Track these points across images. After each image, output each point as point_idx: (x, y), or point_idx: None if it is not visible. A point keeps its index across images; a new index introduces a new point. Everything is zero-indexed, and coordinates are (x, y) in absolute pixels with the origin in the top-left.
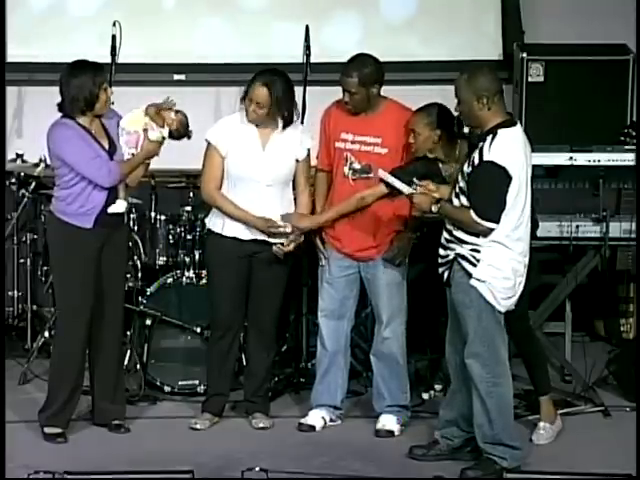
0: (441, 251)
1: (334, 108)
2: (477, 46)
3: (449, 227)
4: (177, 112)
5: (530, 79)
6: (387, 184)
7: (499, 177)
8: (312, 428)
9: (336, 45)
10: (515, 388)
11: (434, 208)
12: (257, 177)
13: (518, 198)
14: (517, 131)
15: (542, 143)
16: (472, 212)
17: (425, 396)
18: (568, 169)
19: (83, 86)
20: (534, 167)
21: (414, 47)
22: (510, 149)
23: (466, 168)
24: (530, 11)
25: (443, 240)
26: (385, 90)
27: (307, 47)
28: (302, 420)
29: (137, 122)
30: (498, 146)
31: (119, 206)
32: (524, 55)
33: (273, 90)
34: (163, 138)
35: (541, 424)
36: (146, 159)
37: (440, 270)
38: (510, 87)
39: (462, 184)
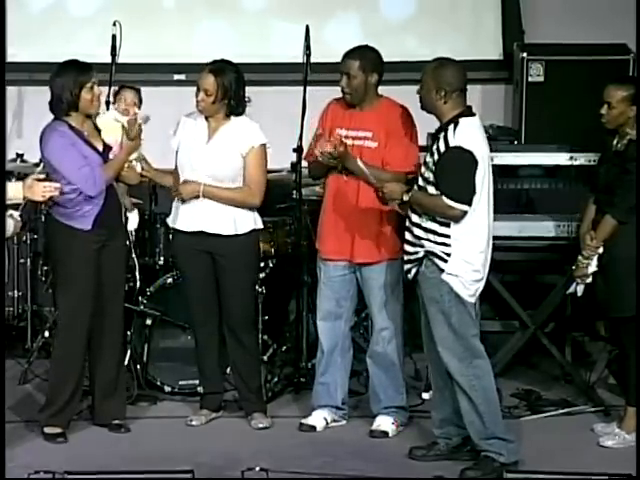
0: (408, 248)
1: (333, 104)
2: (477, 46)
3: (417, 221)
4: (119, 91)
5: (530, 79)
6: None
7: (467, 161)
8: (313, 428)
9: (336, 45)
10: (515, 388)
11: (405, 197)
12: (196, 166)
13: (483, 185)
14: (477, 120)
15: (542, 143)
16: (444, 197)
17: (425, 396)
18: (568, 169)
19: (64, 86)
20: (533, 167)
21: (414, 47)
22: (474, 135)
23: (429, 158)
24: (530, 11)
25: (410, 237)
26: (385, 90)
27: (307, 47)
28: (303, 420)
29: (113, 132)
30: (462, 132)
31: (132, 222)
32: (524, 55)
33: (220, 77)
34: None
35: (617, 430)
36: (129, 154)
37: (406, 267)
38: (510, 87)
39: (427, 174)
